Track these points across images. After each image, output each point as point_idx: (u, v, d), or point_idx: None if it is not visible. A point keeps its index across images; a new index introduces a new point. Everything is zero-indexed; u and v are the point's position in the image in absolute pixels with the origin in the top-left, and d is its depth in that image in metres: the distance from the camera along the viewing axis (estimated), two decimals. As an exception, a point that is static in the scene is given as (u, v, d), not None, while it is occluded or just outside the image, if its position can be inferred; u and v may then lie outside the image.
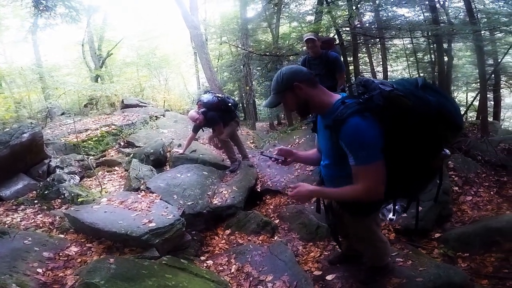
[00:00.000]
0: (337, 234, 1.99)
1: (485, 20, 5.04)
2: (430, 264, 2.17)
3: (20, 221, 3.29)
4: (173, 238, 2.58)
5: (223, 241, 3.13)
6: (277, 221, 3.31)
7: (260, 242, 2.99)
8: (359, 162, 1.31)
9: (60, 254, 2.46)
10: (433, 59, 7.26)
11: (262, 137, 7.34)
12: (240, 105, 9.87)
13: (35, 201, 3.69)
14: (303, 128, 5.48)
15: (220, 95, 4.20)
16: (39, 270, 2.19)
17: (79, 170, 4.72)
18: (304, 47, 6.92)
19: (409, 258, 2.30)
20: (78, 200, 3.56)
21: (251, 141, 6.72)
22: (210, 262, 2.72)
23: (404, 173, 1.39)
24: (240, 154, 4.50)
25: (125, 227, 2.50)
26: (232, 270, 2.52)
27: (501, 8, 4.73)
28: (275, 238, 3.05)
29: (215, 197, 3.52)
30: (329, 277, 2.30)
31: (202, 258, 2.83)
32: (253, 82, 8.72)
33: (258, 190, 4.02)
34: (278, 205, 3.66)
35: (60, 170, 4.37)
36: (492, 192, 3.24)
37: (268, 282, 2.29)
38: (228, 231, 3.24)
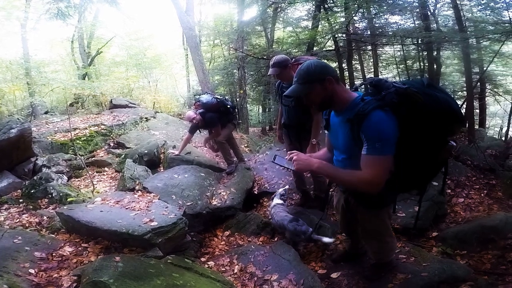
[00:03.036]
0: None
1: (473, 28, 5.32)
2: (433, 260, 2.23)
3: (4, 220, 3.12)
4: (175, 238, 2.51)
5: (223, 242, 3.07)
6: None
7: (261, 243, 2.96)
8: (371, 152, 1.36)
9: (53, 254, 2.33)
10: (422, 67, 7.57)
11: (256, 141, 7.34)
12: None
13: (20, 200, 3.52)
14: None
15: (219, 97, 4.16)
16: (31, 271, 2.07)
17: (67, 169, 4.52)
18: (299, 53, 6.98)
19: (411, 255, 2.35)
20: (67, 200, 3.40)
21: (245, 145, 6.69)
22: (211, 263, 2.65)
23: (416, 164, 1.46)
24: (236, 157, 4.45)
25: (126, 226, 2.40)
26: (235, 271, 2.47)
27: (488, 16, 4.98)
28: (275, 239, 3.02)
29: (213, 198, 3.47)
30: (334, 275, 2.31)
31: (203, 259, 2.76)
32: (247, 87, 8.68)
33: (255, 192, 4.00)
34: (276, 206, 3.64)
35: (47, 169, 4.17)
36: (482, 194, 3.38)
37: (274, 281, 2.25)
38: (227, 232, 3.18)
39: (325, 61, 8.41)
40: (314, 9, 6.00)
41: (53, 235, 2.70)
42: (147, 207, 2.84)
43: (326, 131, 1.75)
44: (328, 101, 1.51)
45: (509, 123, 5.70)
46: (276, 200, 3.01)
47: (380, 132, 1.34)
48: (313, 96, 1.51)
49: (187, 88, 13.30)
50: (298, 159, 1.54)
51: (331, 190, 2.27)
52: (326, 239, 2.51)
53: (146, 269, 1.87)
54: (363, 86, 1.78)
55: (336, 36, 5.85)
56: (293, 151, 1.62)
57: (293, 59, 2.90)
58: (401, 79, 8.29)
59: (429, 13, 6.13)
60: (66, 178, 4.21)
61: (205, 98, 4.04)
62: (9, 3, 7.49)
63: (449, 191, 3.46)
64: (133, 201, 2.98)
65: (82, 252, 2.42)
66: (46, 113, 7.81)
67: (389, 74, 9.34)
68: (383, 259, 2.08)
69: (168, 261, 2.18)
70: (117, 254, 2.33)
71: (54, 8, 4.96)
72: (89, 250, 2.44)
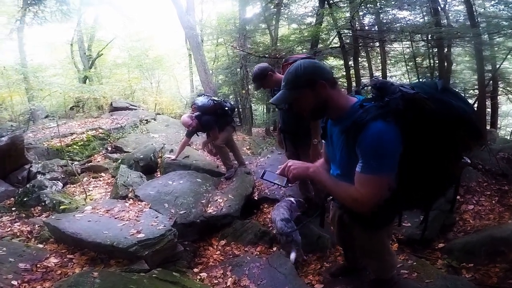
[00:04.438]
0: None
1: (485, 24, 5.04)
2: (437, 276, 2.11)
3: (-5, 229, 3.06)
4: (163, 250, 2.40)
5: (218, 252, 2.95)
6: (275, 231, 3.15)
7: (258, 253, 2.83)
8: (366, 171, 1.18)
9: (38, 265, 2.28)
10: (432, 64, 7.25)
11: (259, 143, 7.18)
12: (236, 109, 9.52)
13: (13, 209, 3.46)
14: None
15: (216, 98, 4.02)
16: (14, 282, 2.02)
17: (62, 176, 4.46)
18: (305, 50, 6.77)
19: (414, 270, 2.22)
20: (60, 207, 3.33)
21: (248, 147, 6.54)
22: (204, 274, 2.55)
23: (421, 182, 1.27)
24: (236, 160, 4.31)
25: (111, 237, 2.31)
26: (228, 284, 2.36)
27: (501, 11, 4.74)
28: (274, 249, 2.89)
29: (209, 205, 3.34)
30: (331, 291, 2.16)
31: (196, 270, 2.66)
32: (250, 86, 8.45)
33: (255, 198, 3.85)
34: (275, 214, 3.50)
35: (42, 176, 4.10)
36: (493, 201, 3.18)
37: (267, 297, 2.12)
38: (223, 242, 3.06)
39: (331, 58, 8.12)
40: (318, 4, 5.76)
41: (40, 245, 2.64)
42: (137, 217, 2.75)
43: (323, 141, 1.56)
44: (321, 108, 1.31)
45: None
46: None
47: (378, 149, 1.15)
48: (302, 103, 1.31)
49: (191, 89, 13.16)
50: (293, 164, 1.38)
51: (326, 203, 2.10)
52: (292, 256, 2.49)
53: (126, 285, 1.76)
54: (365, 88, 1.57)
55: (341, 32, 5.61)
56: (281, 166, 1.45)
57: (284, 60, 2.72)
58: (410, 78, 7.91)
59: (440, 8, 5.83)
60: (61, 184, 4.15)
61: (200, 100, 3.90)
62: (6, 6, 7.46)
63: (458, 197, 3.26)
64: (123, 210, 2.89)
65: (67, 263, 2.35)
66: (46, 117, 7.78)
67: (397, 71, 8.90)
68: (383, 276, 1.92)
69: (153, 275, 2.08)
70: (101, 266, 2.28)
71: (38, 12, 4.89)
72: (74, 262, 2.37)
